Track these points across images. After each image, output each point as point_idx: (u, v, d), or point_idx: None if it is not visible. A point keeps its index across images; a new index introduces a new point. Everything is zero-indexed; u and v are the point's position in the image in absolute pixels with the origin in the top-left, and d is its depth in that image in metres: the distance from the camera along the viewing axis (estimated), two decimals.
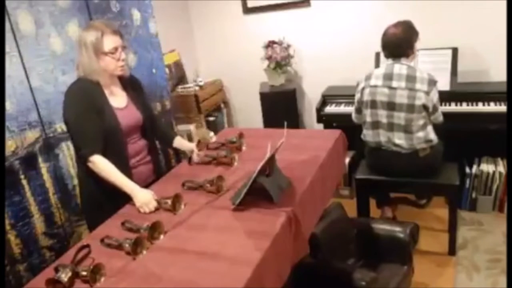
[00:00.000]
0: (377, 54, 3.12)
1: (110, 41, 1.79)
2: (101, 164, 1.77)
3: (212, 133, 2.14)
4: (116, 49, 1.81)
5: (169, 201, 1.66)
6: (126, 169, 1.87)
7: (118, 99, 1.91)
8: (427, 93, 2.36)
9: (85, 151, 1.78)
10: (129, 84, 2.00)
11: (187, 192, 1.82)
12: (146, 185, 1.93)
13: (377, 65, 3.09)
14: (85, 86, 1.82)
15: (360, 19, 3.43)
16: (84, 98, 1.80)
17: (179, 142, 2.16)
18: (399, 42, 2.42)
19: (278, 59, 3.57)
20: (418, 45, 2.49)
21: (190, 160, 2.11)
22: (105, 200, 1.85)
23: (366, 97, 2.50)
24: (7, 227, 1.98)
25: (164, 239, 1.51)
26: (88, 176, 1.87)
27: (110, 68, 1.83)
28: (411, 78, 2.37)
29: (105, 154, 1.79)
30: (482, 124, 2.84)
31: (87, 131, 1.78)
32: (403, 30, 2.42)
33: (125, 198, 1.78)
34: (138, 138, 1.99)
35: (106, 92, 1.87)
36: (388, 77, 2.41)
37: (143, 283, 1.30)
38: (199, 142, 2.17)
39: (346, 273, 1.86)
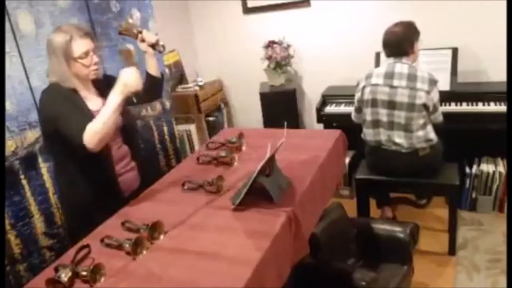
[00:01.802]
0: (377, 54, 3.12)
1: (80, 46, 1.69)
2: (90, 129, 1.58)
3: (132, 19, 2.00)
4: (87, 53, 1.72)
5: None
6: (112, 176, 1.85)
7: (93, 102, 1.81)
8: (428, 92, 2.36)
9: (81, 139, 1.59)
10: (104, 84, 1.84)
11: (187, 192, 1.82)
12: (132, 193, 1.91)
13: (377, 65, 3.09)
14: (61, 90, 1.73)
15: (360, 19, 3.43)
16: (64, 99, 1.71)
17: (148, 65, 2.04)
18: (399, 41, 2.43)
19: (278, 59, 3.57)
20: (419, 45, 2.49)
21: (156, 48, 1.98)
22: (87, 211, 1.79)
23: (367, 96, 2.51)
24: (7, 227, 1.97)
25: (164, 239, 1.51)
26: (70, 186, 1.83)
27: (83, 74, 1.75)
28: (412, 77, 2.37)
29: (90, 161, 1.69)
30: (482, 124, 2.84)
31: (76, 121, 1.62)
32: (403, 29, 2.44)
33: (107, 209, 1.72)
34: (120, 143, 1.92)
35: (82, 96, 1.78)
36: (389, 76, 2.42)
37: (143, 283, 1.30)
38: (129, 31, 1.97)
39: (346, 273, 1.85)
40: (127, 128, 1.95)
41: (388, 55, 2.50)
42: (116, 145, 1.89)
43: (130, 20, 2.04)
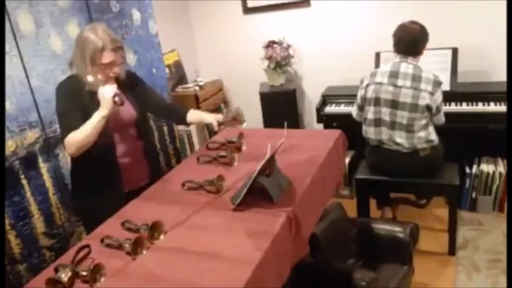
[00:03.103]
0: (377, 54, 3.12)
1: (108, 56, 1.77)
2: (70, 139, 1.73)
3: (245, 124, 2.13)
4: (111, 63, 1.79)
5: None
6: (113, 165, 1.89)
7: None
8: (432, 93, 2.36)
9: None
10: (126, 81, 1.97)
11: (187, 192, 1.82)
12: (139, 188, 1.93)
13: (377, 65, 3.09)
14: (74, 84, 1.82)
15: (360, 19, 3.43)
16: (70, 96, 1.80)
17: (193, 115, 2.14)
18: (415, 40, 2.43)
19: (278, 59, 3.57)
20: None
21: (207, 126, 2.05)
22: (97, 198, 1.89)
23: (370, 94, 2.50)
24: (7, 227, 1.98)
25: (164, 239, 1.51)
26: (80, 174, 1.93)
27: (99, 76, 1.81)
28: (416, 78, 2.37)
29: (91, 150, 1.78)
30: (482, 124, 2.84)
31: (68, 126, 1.76)
32: (420, 28, 2.43)
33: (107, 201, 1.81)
34: (131, 137, 1.97)
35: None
36: (394, 75, 2.42)
37: (143, 283, 1.30)
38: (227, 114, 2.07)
39: (346, 273, 1.86)
40: (140, 121, 2.00)
41: (398, 51, 2.46)
42: (125, 138, 1.94)
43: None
